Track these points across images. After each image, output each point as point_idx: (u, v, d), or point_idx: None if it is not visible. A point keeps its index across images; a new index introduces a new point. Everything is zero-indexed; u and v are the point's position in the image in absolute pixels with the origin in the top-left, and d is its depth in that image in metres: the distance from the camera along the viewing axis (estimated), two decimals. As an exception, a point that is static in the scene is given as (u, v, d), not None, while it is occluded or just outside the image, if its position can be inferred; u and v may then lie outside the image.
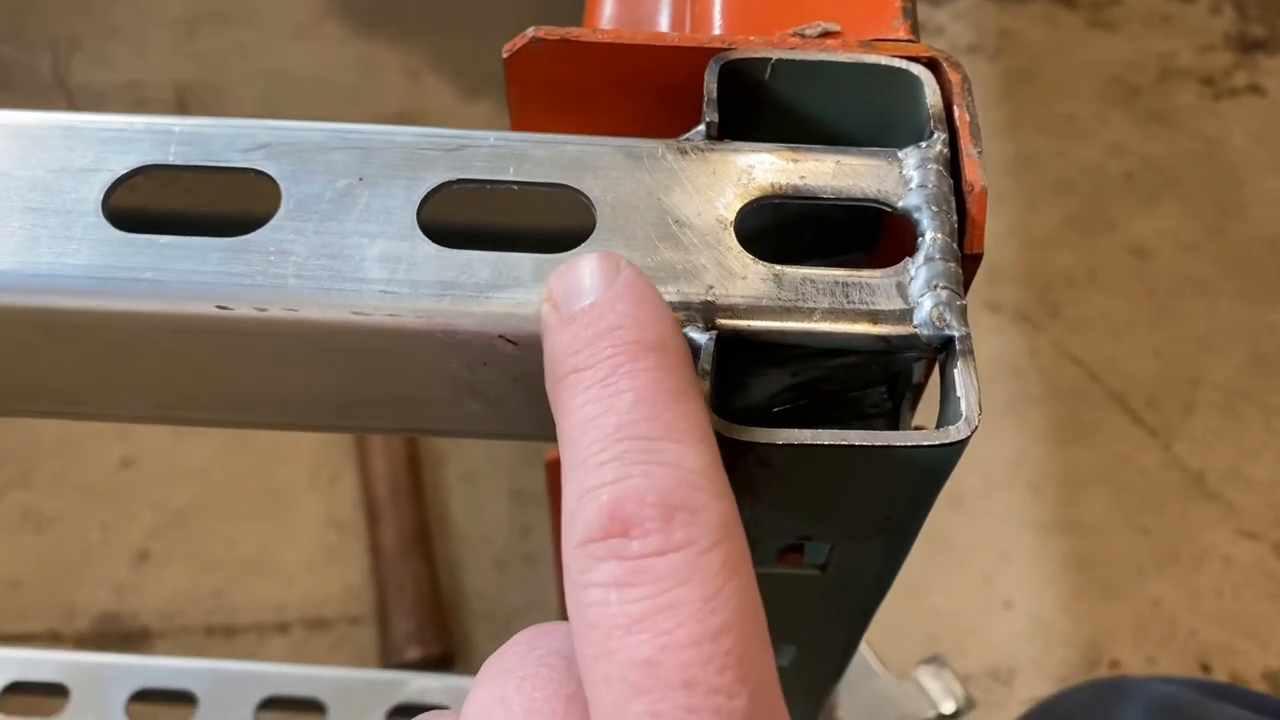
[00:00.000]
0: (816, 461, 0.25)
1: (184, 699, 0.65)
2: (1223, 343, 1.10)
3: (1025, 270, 1.14)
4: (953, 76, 0.30)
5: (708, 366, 0.26)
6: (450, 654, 0.92)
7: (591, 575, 0.21)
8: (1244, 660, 0.95)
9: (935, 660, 0.79)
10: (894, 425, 0.31)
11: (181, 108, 1.21)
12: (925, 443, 0.25)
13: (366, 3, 1.29)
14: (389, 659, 0.90)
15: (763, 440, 0.25)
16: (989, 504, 1.01)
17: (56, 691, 0.65)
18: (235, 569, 0.97)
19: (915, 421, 0.32)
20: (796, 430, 0.25)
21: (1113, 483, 1.02)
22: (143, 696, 0.66)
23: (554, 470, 0.52)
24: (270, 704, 0.65)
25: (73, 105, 1.21)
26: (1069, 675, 0.94)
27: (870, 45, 0.31)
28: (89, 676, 0.65)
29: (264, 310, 0.26)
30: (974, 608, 0.96)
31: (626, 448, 0.22)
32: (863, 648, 0.83)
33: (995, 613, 0.96)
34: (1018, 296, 1.12)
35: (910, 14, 0.32)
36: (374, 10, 1.28)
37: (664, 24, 0.39)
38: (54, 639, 0.94)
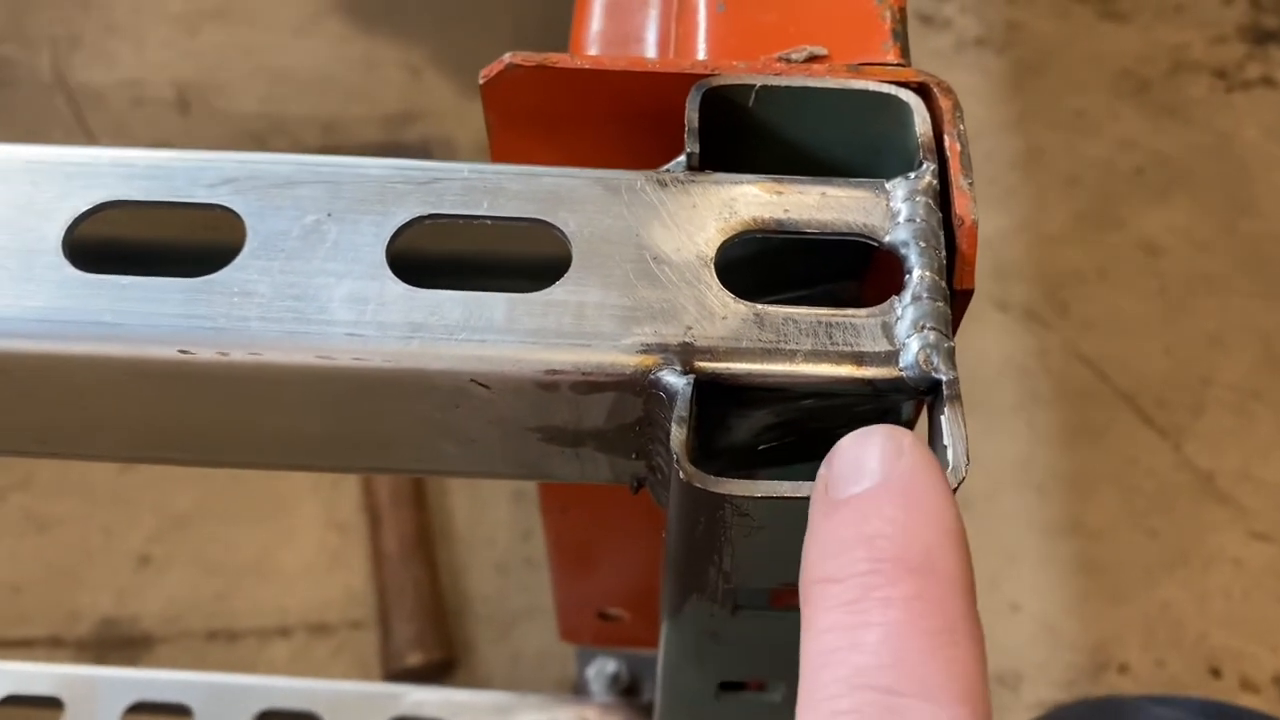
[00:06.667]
0: (797, 512, 0.24)
1: (180, 712, 0.65)
2: (1234, 341, 1.08)
3: (1034, 268, 1.13)
4: (943, 103, 0.29)
5: (685, 414, 0.25)
6: (452, 659, 0.91)
7: None
8: (1254, 664, 0.94)
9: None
10: (884, 462, 0.30)
11: (182, 106, 1.21)
12: (910, 494, 0.24)
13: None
14: (390, 664, 0.90)
15: (739, 493, 0.24)
16: (996, 506, 1.00)
17: (51, 705, 0.64)
18: (237, 573, 0.96)
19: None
20: (775, 483, 0.24)
21: (1122, 484, 1.01)
22: (138, 709, 0.65)
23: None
24: (266, 716, 0.65)
25: (73, 104, 1.21)
26: (1076, 680, 0.93)
27: (858, 70, 0.30)
28: (84, 689, 0.64)
29: (226, 355, 0.26)
30: (981, 611, 0.95)
31: (864, 700, 0.18)
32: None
33: (1002, 616, 0.95)
34: (1026, 294, 1.11)
35: (901, 37, 0.31)
36: (375, 7, 1.27)
37: (650, 40, 0.38)
38: (55, 644, 0.93)
